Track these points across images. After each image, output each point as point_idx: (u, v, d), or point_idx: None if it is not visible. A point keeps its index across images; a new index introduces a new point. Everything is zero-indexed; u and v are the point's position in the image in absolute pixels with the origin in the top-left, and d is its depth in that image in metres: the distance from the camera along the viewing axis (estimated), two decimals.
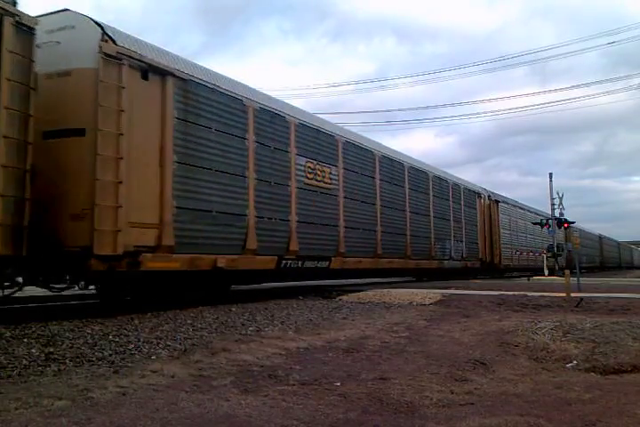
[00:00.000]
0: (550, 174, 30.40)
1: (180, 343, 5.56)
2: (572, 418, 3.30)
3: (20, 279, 7.22)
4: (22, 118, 6.54)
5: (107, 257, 7.05)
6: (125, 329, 6.13)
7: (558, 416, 3.33)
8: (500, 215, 24.75)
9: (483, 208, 22.92)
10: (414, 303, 10.24)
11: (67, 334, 5.65)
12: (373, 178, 14.50)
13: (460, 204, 20.58)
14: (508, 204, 26.67)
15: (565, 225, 26.73)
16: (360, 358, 5.08)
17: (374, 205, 14.46)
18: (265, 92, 11.45)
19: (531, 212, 30.97)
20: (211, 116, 9.08)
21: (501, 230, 24.70)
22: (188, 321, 6.97)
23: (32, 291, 8.88)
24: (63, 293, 8.89)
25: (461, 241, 20.29)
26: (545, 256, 28.40)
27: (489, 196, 24.13)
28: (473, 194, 22.15)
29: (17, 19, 6.50)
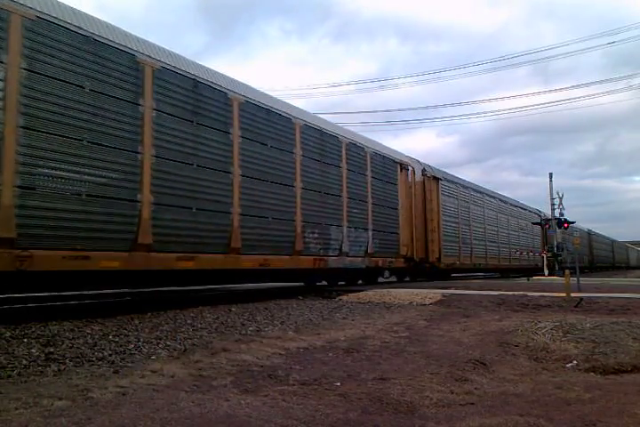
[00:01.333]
0: (550, 174, 30.44)
1: (180, 343, 5.57)
2: (572, 418, 3.30)
3: None
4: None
5: None
6: (125, 329, 6.14)
7: (558, 416, 3.33)
8: (442, 198, 18.56)
9: (411, 186, 16.62)
10: (414, 303, 10.24)
11: (67, 334, 5.65)
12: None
13: (366, 174, 14.03)
14: (455, 184, 20.17)
15: (565, 225, 26.75)
16: (360, 358, 5.08)
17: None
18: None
19: (509, 204, 27.11)
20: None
21: (443, 218, 18.42)
22: (188, 321, 6.97)
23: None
24: (63, 292, 8.89)
25: (365, 229, 13.88)
26: (545, 256, 28.37)
27: (424, 170, 17.58)
28: (392, 164, 15.39)
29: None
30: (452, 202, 19.67)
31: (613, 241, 66.16)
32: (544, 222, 29.48)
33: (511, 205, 27.34)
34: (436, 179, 18.34)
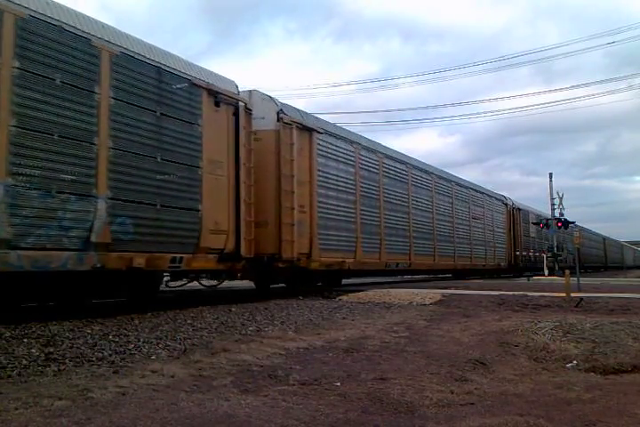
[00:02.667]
0: (550, 174, 30.47)
1: (180, 343, 5.56)
2: (572, 418, 3.30)
3: None
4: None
5: None
6: (125, 329, 6.13)
7: (558, 416, 3.33)
8: (321, 161, 12.35)
9: (244, 134, 9.97)
10: (414, 303, 10.24)
11: (67, 334, 5.65)
12: None
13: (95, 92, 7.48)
14: (352, 143, 13.76)
15: (559, 224, 26.71)
16: (360, 358, 5.08)
17: None
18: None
19: (455, 183, 20.69)
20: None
21: (321, 192, 12.21)
22: (188, 321, 6.97)
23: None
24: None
25: (86, 195, 7.14)
26: (545, 256, 28.36)
27: (281, 113, 11.25)
28: (189, 90, 8.85)
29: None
30: (342, 170, 13.02)
31: (605, 238, 58.50)
32: (543, 222, 29.22)
33: (459, 185, 20.99)
34: (308, 130, 11.74)
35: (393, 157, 16.22)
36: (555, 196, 29.55)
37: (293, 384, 4.05)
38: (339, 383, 4.09)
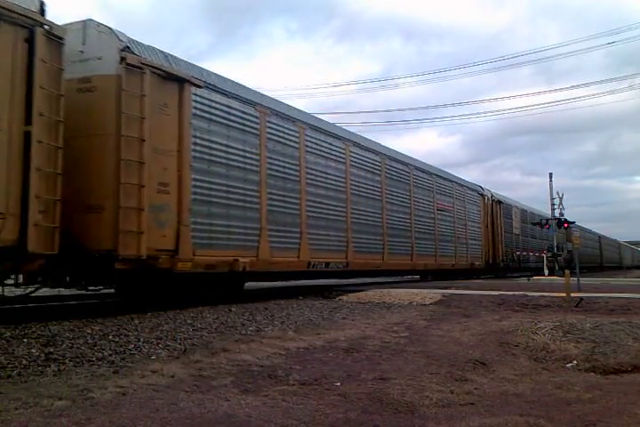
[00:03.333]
0: (550, 174, 30.46)
1: (180, 343, 5.56)
2: (572, 418, 3.30)
3: None
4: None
5: None
6: (125, 329, 6.13)
7: (558, 416, 3.33)
8: (197, 124, 9.03)
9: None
10: (414, 303, 10.24)
11: (67, 334, 5.65)
12: None
13: None
14: (255, 106, 10.43)
15: (565, 225, 26.70)
16: (360, 358, 5.08)
17: None
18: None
19: (417, 169, 17.47)
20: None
21: (197, 166, 8.94)
22: (188, 321, 6.97)
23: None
24: (62, 292, 8.88)
25: None
26: (545, 256, 28.36)
27: (128, 49, 7.99)
28: None
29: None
30: (239, 140, 9.83)
31: (601, 237, 54.76)
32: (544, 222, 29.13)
33: (420, 170, 17.62)
34: (177, 80, 8.63)
35: (323, 129, 12.55)
36: (555, 196, 29.56)
37: (293, 384, 4.05)
38: (339, 383, 4.09)
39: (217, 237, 9.14)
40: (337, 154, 13.04)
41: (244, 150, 9.94)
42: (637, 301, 9.31)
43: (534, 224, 28.57)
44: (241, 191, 9.79)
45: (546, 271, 27.21)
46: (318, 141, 12.29)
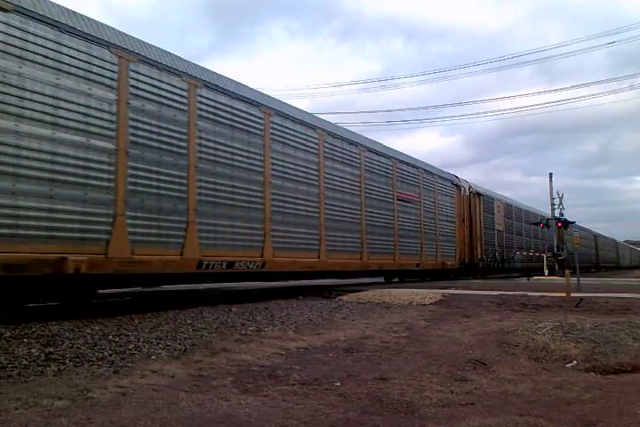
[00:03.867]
0: (550, 174, 30.44)
1: (180, 343, 5.57)
2: (572, 418, 3.30)
3: None
4: None
5: None
6: (125, 329, 6.13)
7: (558, 416, 3.33)
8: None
9: None
10: (414, 303, 10.24)
11: (67, 334, 5.65)
12: None
13: None
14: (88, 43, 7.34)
15: (559, 224, 26.68)
16: (360, 358, 5.08)
17: None
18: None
19: (365, 147, 14.18)
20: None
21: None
22: (188, 321, 6.97)
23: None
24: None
25: None
26: (545, 256, 28.36)
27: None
28: None
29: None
30: (66, 88, 7.09)
31: (597, 235, 52.18)
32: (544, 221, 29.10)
33: (373, 152, 14.54)
34: None
35: (217, 87, 9.51)
36: (555, 196, 29.55)
37: (293, 384, 4.05)
38: (339, 383, 4.10)
39: (27, 225, 6.43)
40: (252, 123, 10.09)
41: (76, 100, 7.13)
42: (637, 301, 9.31)
43: (534, 224, 28.56)
44: (72, 160, 7.02)
45: (546, 271, 27.21)
46: (215, 105, 9.40)
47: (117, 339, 5.57)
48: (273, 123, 10.65)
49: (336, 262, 12.50)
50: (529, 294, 11.04)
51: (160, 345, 5.43)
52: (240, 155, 9.74)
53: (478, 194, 21.95)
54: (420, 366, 4.73)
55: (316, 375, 4.32)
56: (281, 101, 11.73)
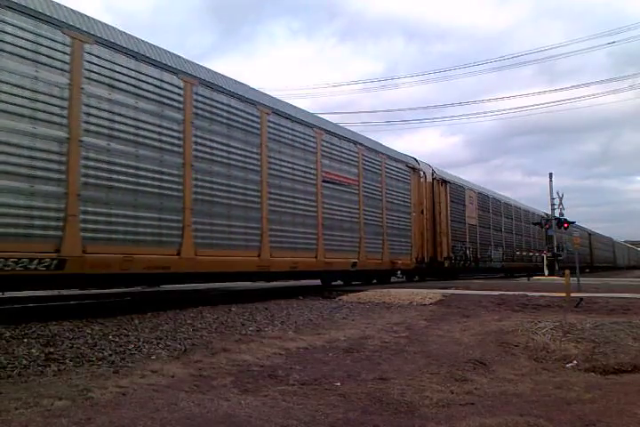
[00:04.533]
0: (550, 174, 30.43)
1: (180, 343, 5.56)
2: (572, 418, 3.30)
3: None
4: None
5: None
6: (125, 329, 6.13)
7: (558, 416, 3.33)
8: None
9: None
10: (414, 303, 10.24)
11: (67, 334, 5.65)
12: None
13: None
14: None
15: (565, 225, 26.66)
16: (360, 358, 5.08)
17: None
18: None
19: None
20: None
21: None
22: (188, 321, 6.97)
23: (32, 291, 8.87)
24: (63, 292, 8.87)
25: None
26: (545, 256, 28.33)
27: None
28: None
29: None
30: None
31: (591, 234, 48.84)
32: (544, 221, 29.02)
33: (295, 121, 11.26)
34: None
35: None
36: (555, 196, 29.54)
37: (293, 384, 4.05)
38: (339, 383, 4.09)
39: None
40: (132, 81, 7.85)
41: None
42: (637, 301, 9.30)
43: (535, 224, 28.51)
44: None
45: (546, 271, 27.20)
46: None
47: (117, 339, 5.57)
48: (167, 84, 8.40)
49: (212, 261, 8.85)
50: (529, 294, 11.04)
51: (160, 345, 5.43)
52: (132, 127, 7.74)
53: (444, 181, 18.60)
54: (420, 366, 4.73)
55: (316, 375, 4.32)
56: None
